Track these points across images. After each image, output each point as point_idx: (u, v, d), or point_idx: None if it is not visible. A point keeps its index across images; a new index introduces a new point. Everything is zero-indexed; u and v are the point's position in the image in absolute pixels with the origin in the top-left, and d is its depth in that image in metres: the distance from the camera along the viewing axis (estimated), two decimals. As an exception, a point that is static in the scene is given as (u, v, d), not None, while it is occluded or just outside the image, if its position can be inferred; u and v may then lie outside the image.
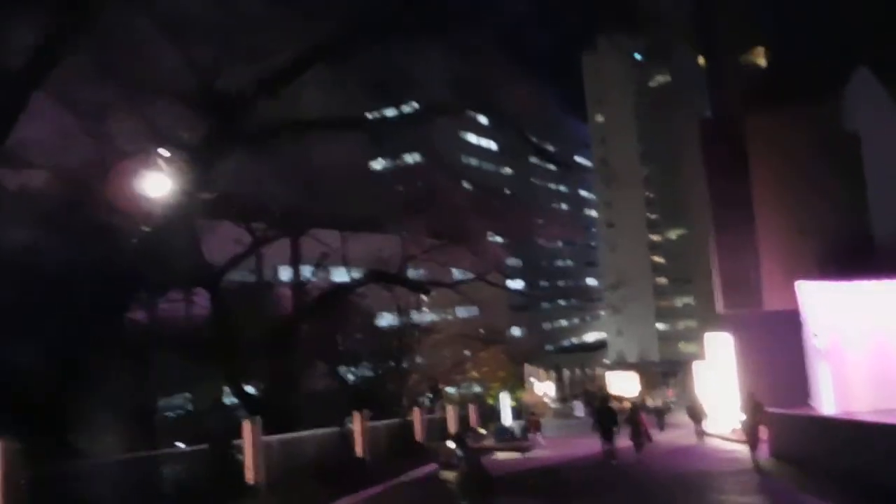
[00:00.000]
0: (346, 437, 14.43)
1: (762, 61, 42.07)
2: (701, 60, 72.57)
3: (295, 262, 16.78)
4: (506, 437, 22.44)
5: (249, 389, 16.36)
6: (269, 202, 14.43)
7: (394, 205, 16.49)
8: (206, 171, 10.22)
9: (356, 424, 14.43)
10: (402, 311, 23.83)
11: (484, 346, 31.06)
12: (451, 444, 11.74)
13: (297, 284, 16.96)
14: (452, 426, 21.79)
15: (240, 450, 10.89)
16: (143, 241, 10.24)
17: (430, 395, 26.45)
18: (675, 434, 24.69)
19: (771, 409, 17.12)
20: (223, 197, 13.56)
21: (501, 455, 19.47)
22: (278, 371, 15.14)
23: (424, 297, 23.79)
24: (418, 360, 24.24)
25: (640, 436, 17.78)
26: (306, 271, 21.31)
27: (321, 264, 17.02)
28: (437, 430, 21.40)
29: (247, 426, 10.87)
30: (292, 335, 16.19)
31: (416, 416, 18.53)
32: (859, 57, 29.33)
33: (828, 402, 22.45)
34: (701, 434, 22.28)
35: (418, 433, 18.37)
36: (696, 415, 23.07)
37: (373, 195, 16.62)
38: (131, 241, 10.15)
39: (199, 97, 10.13)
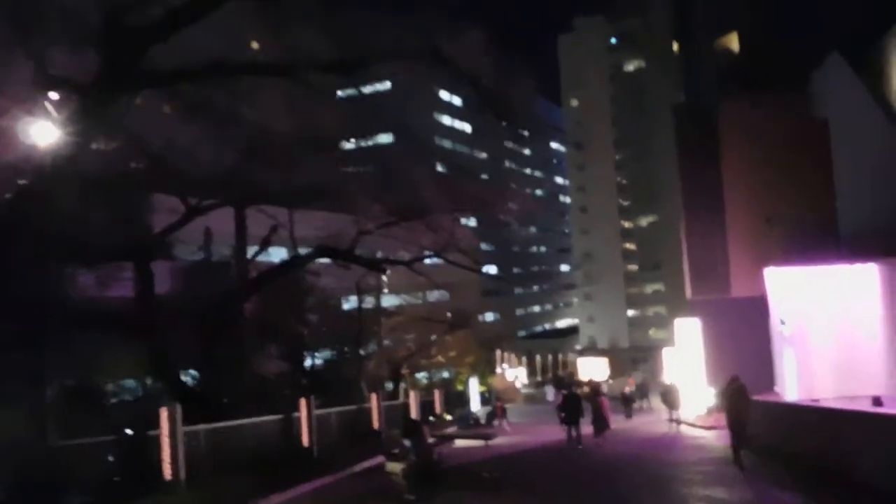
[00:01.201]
0: (292, 426, 13.66)
1: (735, 46, 41.91)
2: (675, 47, 72.62)
3: (239, 236, 15.82)
4: (469, 424, 21.91)
5: (190, 375, 15.47)
6: (206, 167, 13.46)
7: (347, 175, 15.48)
8: (101, 116, 9.24)
9: (302, 411, 13.66)
10: (361, 293, 22.98)
11: (450, 329, 30.40)
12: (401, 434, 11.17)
13: (240, 260, 15.95)
14: (415, 412, 21.23)
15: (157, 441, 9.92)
16: (22, 195, 9.20)
17: (392, 381, 25.77)
18: (642, 420, 24.36)
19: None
20: (153, 162, 12.63)
21: (463, 443, 18.91)
22: (213, 355, 14.26)
23: (385, 278, 23.06)
24: (380, 343, 23.48)
25: (600, 420, 17.80)
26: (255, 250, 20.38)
27: (269, 239, 16.07)
28: (399, 416, 20.82)
29: (163, 414, 9.94)
30: (232, 315, 15.30)
31: (374, 403, 17.85)
32: (831, 42, 29.20)
33: (792, 388, 22.43)
34: (676, 422, 20.92)
35: (376, 420, 17.70)
36: (670, 401, 21.44)
37: (326, 166, 15.59)
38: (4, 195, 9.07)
39: (95, 34, 9.10)
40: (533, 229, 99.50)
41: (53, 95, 9.10)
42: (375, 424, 17.72)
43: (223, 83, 11.83)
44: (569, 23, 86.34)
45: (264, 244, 16.25)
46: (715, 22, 44.02)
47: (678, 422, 20.77)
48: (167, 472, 9.60)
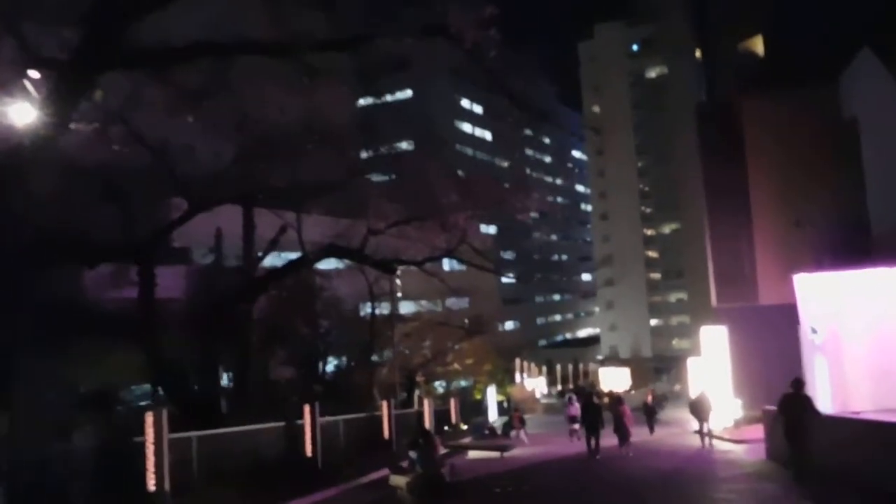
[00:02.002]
0: (295, 434, 13.04)
1: (759, 48, 40.90)
2: (698, 53, 71.52)
3: (247, 236, 15.32)
4: (485, 435, 21.15)
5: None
6: (209, 163, 13.00)
7: (357, 169, 14.80)
8: (81, 97, 8.77)
9: (306, 419, 13.04)
10: (374, 297, 22.40)
11: (467, 336, 29.67)
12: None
13: (248, 261, 15.42)
14: (428, 421, 20.54)
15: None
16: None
17: (407, 389, 25.11)
18: (666, 432, 23.32)
19: (768, 408, 15.90)
20: (155, 156, 12.15)
21: (478, 454, 18.17)
22: (217, 359, 13.72)
23: (398, 281, 22.44)
24: (393, 350, 22.82)
25: (622, 428, 17.51)
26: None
27: (278, 239, 15.57)
28: (412, 425, 20.15)
29: (148, 420, 9.26)
30: (238, 317, 14.78)
31: (385, 411, 17.19)
32: (861, 39, 28.16)
33: (825, 399, 21.33)
34: (708, 435, 18.40)
35: (387, 429, 17.03)
36: (701, 412, 18.89)
37: (335, 160, 14.98)
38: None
39: (75, 7, 8.63)
40: (554, 237, 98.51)
41: (34, 75, 8.69)
42: (386, 434, 17.05)
43: (220, 68, 11.39)
44: (589, 30, 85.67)
45: (273, 244, 15.75)
46: (737, 24, 43.08)
47: (710, 435, 18.59)
48: (151, 482, 9.00)
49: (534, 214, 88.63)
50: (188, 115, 12.28)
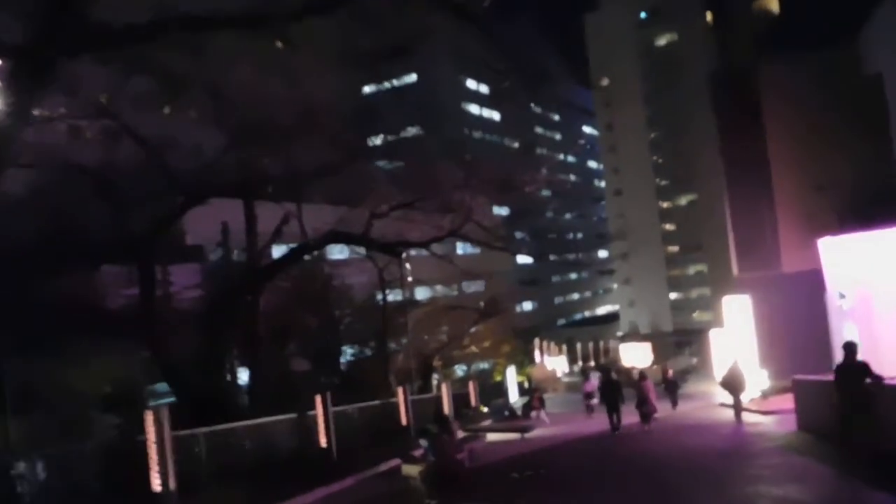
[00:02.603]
0: (308, 426, 12.64)
1: (775, 6, 39.59)
2: (709, 17, 69.69)
3: (250, 228, 14.86)
4: (505, 416, 20.70)
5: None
6: (201, 153, 12.52)
7: (358, 151, 14.21)
8: (40, 83, 8.28)
9: (318, 409, 12.62)
10: (384, 284, 21.90)
11: (482, 318, 29.16)
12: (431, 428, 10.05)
13: (252, 252, 14.97)
14: (447, 405, 20.13)
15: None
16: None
17: (423, 374, 24.72)
18: (691, 406, 22.69)
19: (798, 377, 15.24)
20: (146, 147, 11.69)
21: (498, 436, 17.73)
22: (219, 353, 13.32)
23: (408, 266, 21.95)
24: (407, 335, 22.40)
25: (645, 404, 17.27)
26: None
27: (280, 229, 15.10)
28: (430, 411, 19.76)
29: (149, 418, 8.84)
30: (243, 311, 14.36)
31: (401, 397, 16.76)
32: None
33: (855, 366, 20.57)
34: (738, 409, 17.15)
35: (403, 416, 16.61)
36: (735, 386, 17.38)
37: (334, 142, 14.40)
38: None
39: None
40: (568, 216, 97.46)
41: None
42: (403, 420, 16.63)
43: (200, 50, 10.84)
44: (595, 1, 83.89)
45: (276, 234, 15.29)
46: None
47: (741, 409, 17.23)
48: (155, 482, 8.62)
49: (546, 192, 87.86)
50: (175, 104, 11.79)
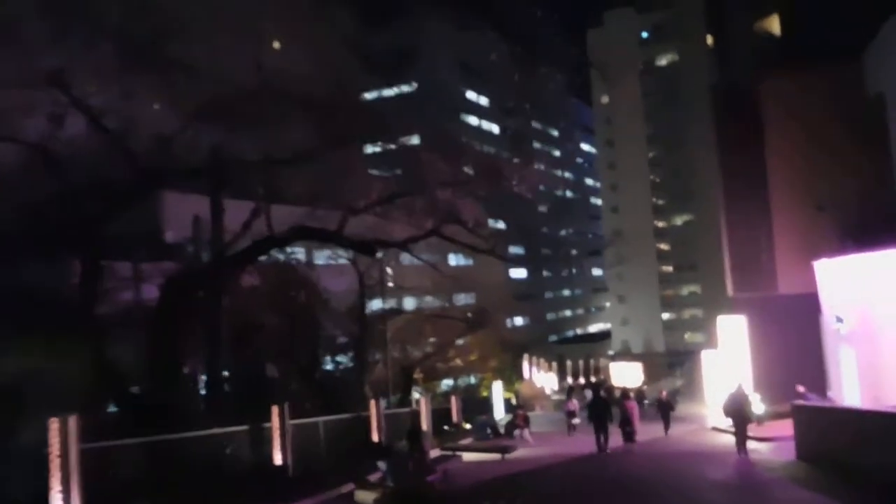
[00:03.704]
0: (263, 439, 11.58)
1: (776, 28, 39.11)
2: (710, 40, 69.45)
3: (215, 217, 13.82)
4: (487, 435, 19.72)
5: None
6: (160, 134, 11.56)
7: (336, 134, 13.22)
8: None
9: (274, 421, 11.57)
10: (364, 288, 20.91)
11: (469, 329, 28.16)
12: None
13: (216, 246, 13.90)
14: (425, 421, 19.11)
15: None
16: None
17: (404, 386, 23.67)
18: (682, 430, 21.71)
19: (800, 403, 14.36)
20: (95, 121, 10.70)
21: (476, 456, 16.72)
22: (170, 356, 12.25)
23: (389, 270, 21.00)
24: (385, 344, 21.40)
25: (628, 424, 16.84)
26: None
27: (250, 223, 14.12)
28: (407, 426, 18.74)
29: (52, 427, 7.72)
30: (199, 310, 13.34)
31: (374, 410, 15.73)
32: (887, 9, 26.42)
33: (852, 392, 19.74)
34: (744, 440, 14.59)
35: (375, 431, 15.57)
36: (740, 414, 14.81)
37: (310, 126, 13.41)
38: None
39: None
40: (563, 232, 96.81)
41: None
42: (375, 436, 15.59)
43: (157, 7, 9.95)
44: (598, 17, 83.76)
45: (245, 227, 14.28)
46: (752, 3, 41.29)
47: (745, 439, 14.68)
48: (56, 502, 7.55)
49: (542, 208, 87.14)
50: (134, 76, 10.86)
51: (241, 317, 16.60)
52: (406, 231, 15.65)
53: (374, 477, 9.95)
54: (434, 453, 16.32)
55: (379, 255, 14.96)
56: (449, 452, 16.01)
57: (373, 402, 15.92)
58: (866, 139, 27.13)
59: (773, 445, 15.69)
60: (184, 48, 10.83)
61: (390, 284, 21.15)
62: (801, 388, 23.12)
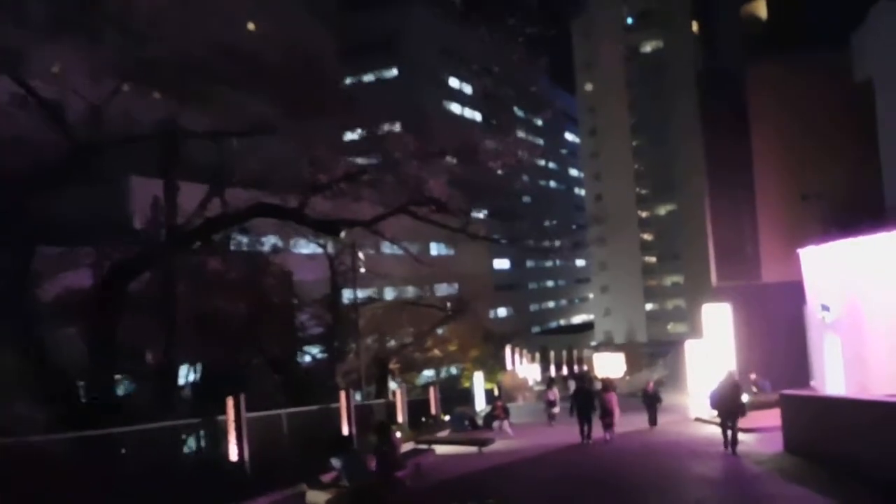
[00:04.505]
0: (218, 434, 10.76)
1: (763, 12, 38.63)
2: (695, 27, 69.02)
3: (169, 197, 12.88)
4: (464, 427, 19.04)
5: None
6: (95, 105, 10.58)
7: (299, 104, 12.29)
8: None
9: (229, 414, 10.73)
10: (335, 274, 20.05)
11: (448, 318, 27.40)
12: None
13: (171, 232, 12.94)
14: (401, 414, 18.38)
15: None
16: None
17: (378, 378, 22.92)
18: (665, 421, 21.19)
19: (787, 392, 13.80)
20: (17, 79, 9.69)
21: (452, 449, 16.03)
22: (108, 346, 11.31)
23: (362, 256, 20.15)
24: (357, 334, 20.61)
25: (608, 415, 16.87)
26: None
27: (206, 203, 13.21)
28: (383, 417, 18.00)
29: None
30: (136, 297, 12.39)
31: (343, 403, 14.95)
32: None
33: (837, 381, 19.30)
34: (735, 437, 13.27)
35: (345, 424, 14.79)
36: (731, 408, 13.33)
37: (266, 96, 12.50)
38: None
39: None
40: (547, 223, 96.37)
41: None
42: (345, 429, 14.81)
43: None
44: (583, 3, 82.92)
45: (201, 207, 13.33)
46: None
47: (736, 436, 13.32)
48: None
49: (526, 198, 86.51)
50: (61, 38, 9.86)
51: (206, 305, 15.72)
52: (376, 212, 14.81)
53: (327, 477, 9.19)
54: (408, 447, 15.60)
55: (342, 234, 14.10)
56: (424, 446, 15.27)
57: (342, 394, 15.12)
58: (854, 126, 26.74)
59: (760, 436, 15.15)
60: (123, 8, 9.88)
61: (362, 270, 20.29)
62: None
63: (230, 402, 10.78)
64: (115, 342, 11.13)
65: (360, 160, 14.85)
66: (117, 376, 15.73)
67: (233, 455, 10.61)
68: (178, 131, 11.87)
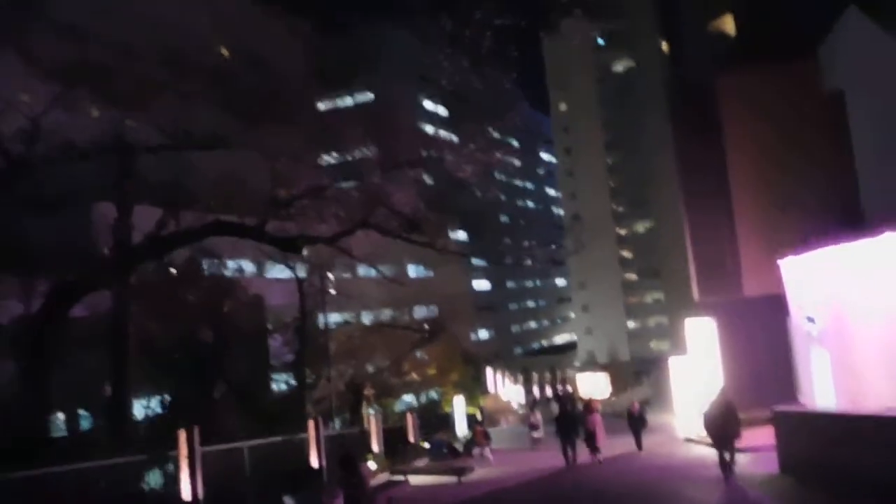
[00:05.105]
0: (171, 471, 9.79)
1: (730, 28, 38.88)
2: (665, 46, 69.91)
3: (121, 216, 11.98)
4: (443, 454, 18.07)
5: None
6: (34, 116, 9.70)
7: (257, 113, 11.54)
8: None
9: (181, 448, 9.74)
10: (304, 297, 19.08)
11: (425, 341, 26.50)
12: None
13: (122, 251, 12.02)
14: (376, 443, 17.39)
15: None
16: None
17: (352, 405, 21.88)
18: (651, 442, 20.39)
19: (781, 408, 13.13)
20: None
21: (427, 479, 15.08)
22: (31, 375, 10.32)
23: (331, 276, 19.28)
24: (328, 358, 19.66)
25: (592, 438, 16.46)
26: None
27: (164, 221, 12.35)
28: (358, 447, 16.99)
29: None
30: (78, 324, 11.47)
31: (312, 433, 13.93)
32: (841, 3, 26.04)
33: (826, 395, 18.72)
34: (732, 461, 12.19)
35: (314, 455, 13.77)
36: (727, 431, 12.15)
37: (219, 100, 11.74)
38: None
39: None
40: (526, 243, 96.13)
41: None
42: (314, 461, 13.79)
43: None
44: (554, 23, 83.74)
45: (158, 227, 12.44)
46: (704, 4, 41.13)
47: (733, 460, 12.23)
48: None
49: (504, 218, 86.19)
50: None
51: (166, 331, 14.76)
52: (340, 229, 14.00)
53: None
54: (383, 477, 14.63)
55: (304, 252, 13.29)
56: (399, 477, 14.31)
57: (311, 423, 14.11)
58: (826, 135, 26.59)
59: (751, 456, 14.42)
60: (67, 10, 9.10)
61: (332, 292, 19.41)
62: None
63: (182, 435, 9.81)
64: (51, 373, 10.14)
65: (325, 178, 14.08)
66: (80, 411, 14.72)
67: (185, 493, 9.62)
68: (129, 145, 11.02)
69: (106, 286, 11.75)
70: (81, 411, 17.57)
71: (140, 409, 17.67)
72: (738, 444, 12.48)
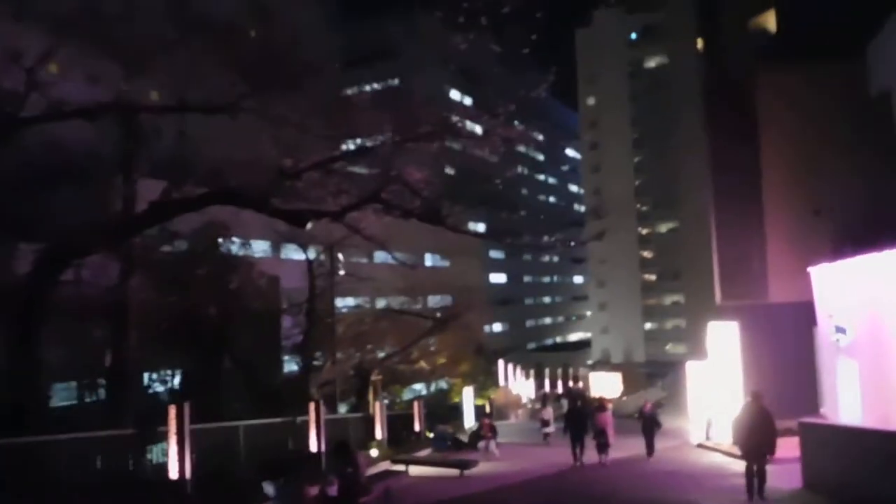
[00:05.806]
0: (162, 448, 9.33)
1: (772, 25, 37.54)
2: (700, 44, 68.21)
3: (126, 177, 11.53)
4: (447, 446, 17.52)
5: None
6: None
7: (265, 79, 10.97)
8: None
9: (171, 426, 9.26)
10: (313, 276, 18.56)
11: (435, 329, 25.99)
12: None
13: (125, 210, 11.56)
14: (380, 430, 16.85)
15: None
16: None
17: (359, 390, 21.42)
18: (662, 447, 19.60)
19: (806, 420, 12.33)
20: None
21: (430, 471, 14.51)
22: (28, 347, 9.81)
23: (341, 256, 18.73)
24: (332, 342, 19.19)
25: (602, 435, 16.04)
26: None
27: (170, 191, 11.90)
28: (361, 433, 16.51)
29: None
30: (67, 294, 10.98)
31: (313, 415, 13.41)
32: (889, 6, 24.82)
33: (852, 409, 17.83)
34: (762, 479, 10.86)
35: (314, 439, 13.25)
36: (757, 443, 10.80)
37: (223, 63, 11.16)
38: None
39: None
40: (546, 238, 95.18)
41: None
42: (313, 445, 13.28)
43: None
44: (587, 17, 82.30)
45: (164, 195, 11.95)
46: (745, 2, 39.83)
47: (763, 477, 10.87)
48: None
49: (522, 212, 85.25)
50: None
51: (174, 307, 14.40)
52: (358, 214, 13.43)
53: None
54: (383, 466, 14.10)
55: (308, 226, 12.74)
56: (399, 467, 13.76)
57: (312, 405, 13.58)
58: (869, 138, 25.44)
59: (773, 469, 13.59)
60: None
61: (342, 273, 18.89)
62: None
63: (172, 410, 9.32)
64: (40, 339, 9.72)
65: (337, 152, 13.47)
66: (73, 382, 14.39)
67: (173, 472, 9.14)
68: (132, 104, 10.51)
69: (101, 251, 11.29)
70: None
71: (156, 384, 17.48)
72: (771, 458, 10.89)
